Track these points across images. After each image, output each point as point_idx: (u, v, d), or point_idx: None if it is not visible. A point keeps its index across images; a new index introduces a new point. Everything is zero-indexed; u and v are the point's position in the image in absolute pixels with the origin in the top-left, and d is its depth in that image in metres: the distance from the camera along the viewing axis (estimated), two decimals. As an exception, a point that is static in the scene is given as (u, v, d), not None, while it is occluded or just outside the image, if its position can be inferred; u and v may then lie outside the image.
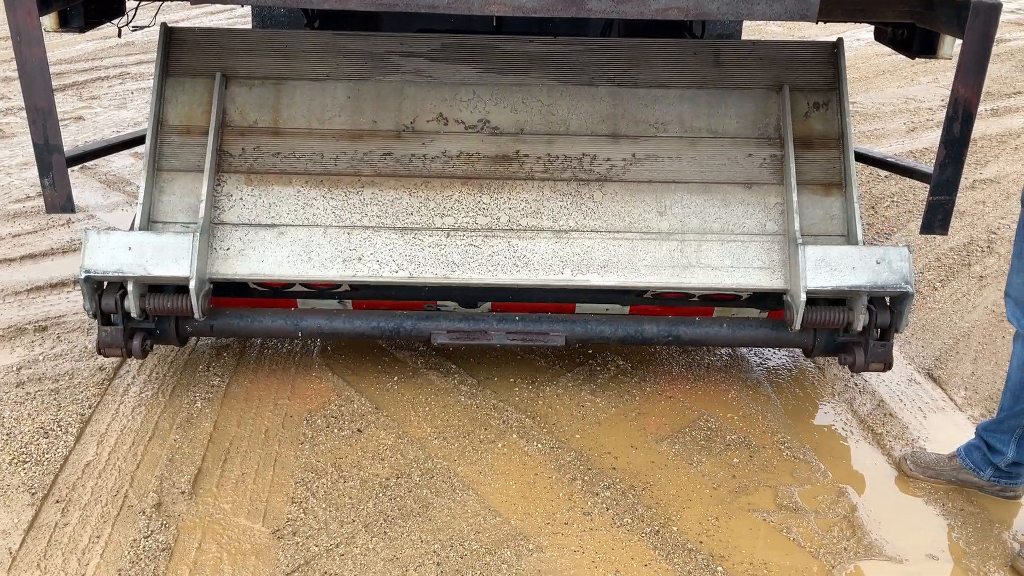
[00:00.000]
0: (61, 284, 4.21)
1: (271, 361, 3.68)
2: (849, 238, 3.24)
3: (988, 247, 4.79)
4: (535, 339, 3.32)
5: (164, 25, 3.31)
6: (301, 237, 3.26)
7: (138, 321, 3.23)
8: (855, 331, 3.21)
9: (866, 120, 6.82)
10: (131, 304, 3.11)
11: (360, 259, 3.24)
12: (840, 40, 3.39)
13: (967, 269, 4.58)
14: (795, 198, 3.23)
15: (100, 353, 3.28)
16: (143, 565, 2.71)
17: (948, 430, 3.42)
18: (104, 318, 3.19)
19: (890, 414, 3.50)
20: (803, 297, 3.07)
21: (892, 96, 7.42)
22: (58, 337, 3.81)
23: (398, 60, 3.34)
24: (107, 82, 7.27)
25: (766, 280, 3.23)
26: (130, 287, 3.09)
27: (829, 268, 3.10)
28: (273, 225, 3.27)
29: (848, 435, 3.39)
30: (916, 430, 3.42)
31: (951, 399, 3.63)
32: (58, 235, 4.65)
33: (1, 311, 3.99)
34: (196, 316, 3.13)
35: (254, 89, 3.33)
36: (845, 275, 3.08)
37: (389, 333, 3.37)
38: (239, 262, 3.22)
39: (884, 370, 3.31)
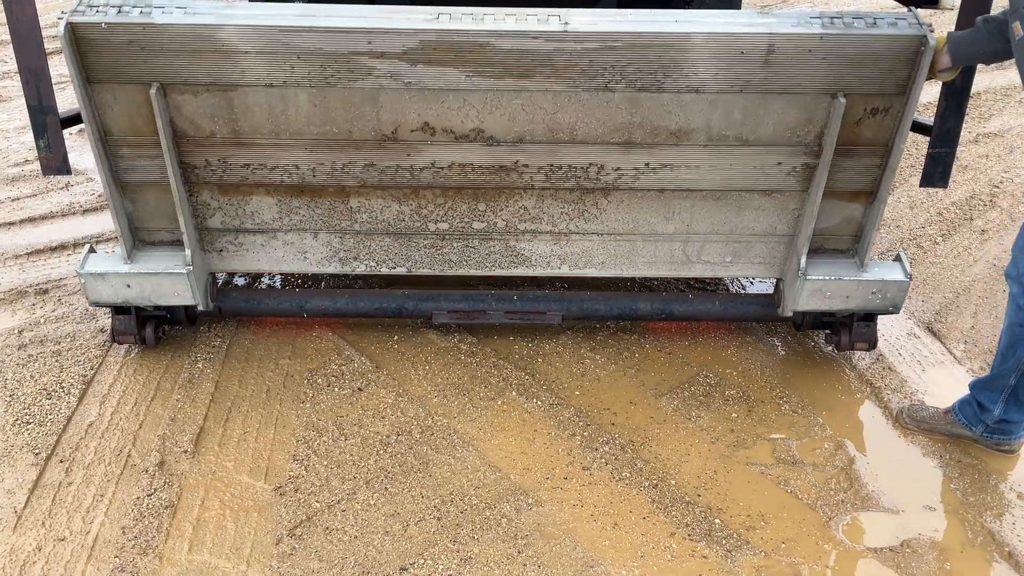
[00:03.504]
0: (61, 247, 4.21)
1: (272, 321, 3.69)
2: (859, 247, 3.15)
3: (991, 201, 4.76)
4: (533, 318, 3.47)
5: (70, 26, 2.64)
6: (292, 240, 3.18)
7: (149, 310, 3.35)
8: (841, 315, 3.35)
9: (869, 74, 6.75)
10: None
11: (356, 258, 3.24)
12: (925, 38, 2.70)
13: (969, 223, 4.56)
14: (815, 212, 2.97)
15: (114, 341, 3.42)
16: (147, 522, 2.75)
17: (947, 383, 3.42)
18: (116, 307, 3.29)
19: (889, 368, 3.51)
20: (790, 312, 3.23)
21: (896, 50, 7.33)
22: (59, 300, 3.82)
23: (367, 62, 2.72)
24: (104, 44, 7.22)
25: (763, 272, 3.31)
26: None
27: (823, 296, 3.15)
28: (261, 231, 3.14)
29: (847, 389, 3.40)
30: (915, 383, 3.43)
31: (950, 352, 3.63)
32: (57, 198, 4.64)
33: (1, 275, 4.00)
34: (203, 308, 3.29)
35: (200, 97, 2.79)
36: (837, 302, 3.17)
37: (391, 313, 3.51)
38: (235, 260, 3.25)
39: (869, 349, 3.45)
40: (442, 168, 2.96)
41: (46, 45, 2.88)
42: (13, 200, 4.64)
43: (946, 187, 3.16)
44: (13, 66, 6.29)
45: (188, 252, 3.05)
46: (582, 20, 2.67)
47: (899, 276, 3.12)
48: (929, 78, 2.80)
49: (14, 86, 6.09)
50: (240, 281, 3.95)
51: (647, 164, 2.96)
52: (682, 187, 3.02)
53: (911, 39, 2.69)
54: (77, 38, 2.65)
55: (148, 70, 2.72)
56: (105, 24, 2.63)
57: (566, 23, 2.66)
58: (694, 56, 2.71)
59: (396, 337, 3.61)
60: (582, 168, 2.97)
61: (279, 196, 3.04)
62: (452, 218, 3.12)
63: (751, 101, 2.81)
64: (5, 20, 2.84)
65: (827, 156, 2.87)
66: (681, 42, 2.68)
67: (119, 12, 2.64)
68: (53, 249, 4.20)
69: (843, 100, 2.76)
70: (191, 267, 3.06)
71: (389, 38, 2.67)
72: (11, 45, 2.83)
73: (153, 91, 2.72)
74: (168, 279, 3.08)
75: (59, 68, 6.52)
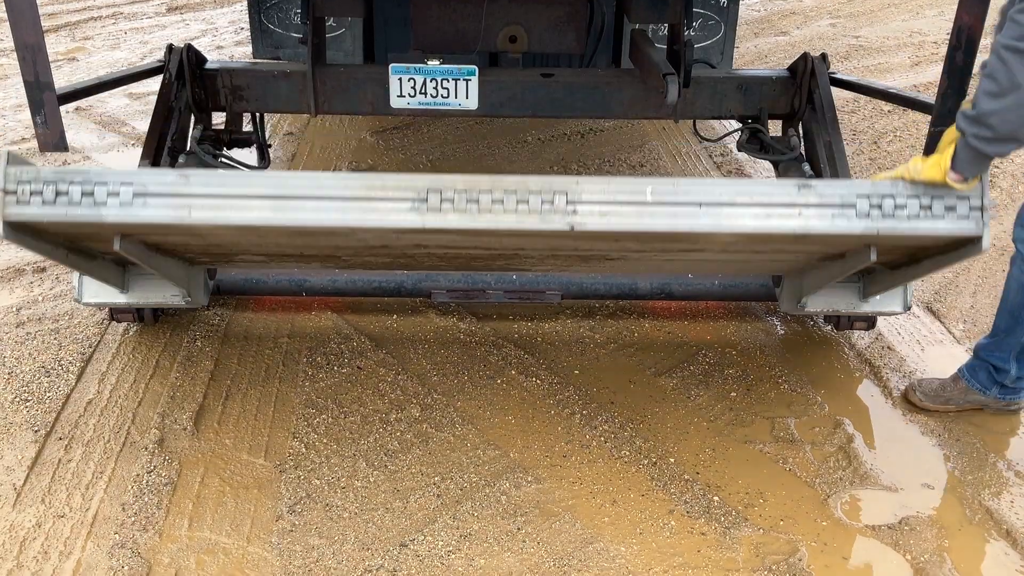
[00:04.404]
0: (59, 225, 4.20)
1: (270, 300, 3.68)
2: (866, 280, 3.02)
3: (990, 181, 4.75)
4: (532, 297, 3.47)
5: (7, 225, 2.22)
6: (292, 270, 3.19)
7: None
8: None
9: (870, 54, 6.73)
10: None
11: (356, 275, 3.32)
12: (980, 239, 2.29)
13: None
14: (826, 281, 2.86)
15: (113, 319, 3.42)
16: (147, 499, 2.75)
17: (945, 362, 3.42)
18: None
19: (888, 347, 3.51)
20: (785, 310, 3.18)
21: (897, 29, 7.31)
22: (57, 278, 3.81)
23: (349, 234, 2.48)
24: (100, 22, 7.18)
25: (765, 276, 3.30)
26: None
27: (819, 310, 3.12)
28: (257, 266, 3.06)
29: (846, 368, 3.41)
30: (914, 362, 3.43)
31: (949, 332, 3.63)
32: (55, 177, 4.63)
33: None
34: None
35: (168, 236, 2.53)
36: (836, 309, 3.13)
37: (391, 292, 3.50)
38: (237, 274, 3.25)
39: (868, 329, 3.47)
40: (436, 253, 2.79)
41: (45, 24, 2.86)
42: (10, 178, 4.62)
43: (947, 166, 3.16)
44: (9, 44, 6.26)
45: (184, 289, 2.96)
46: (591, 209, 2.35)
47: (896, 308, 3.07)
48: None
49: (10, 64, 6.05)
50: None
51: (654, 256, 2.83)
52: (688, 261, 2.97)
53: (964, 239, 2.36)
54: (15, 228, 2.26)
55: (105, 234, 2.44)
56: (46, 221, 2.27)
57: (573, 210, 2.33)
58: (716, 240, 2.52)
59: (395, 316, 3.61)
60: (588, 252, 2.80)
61: (266, 259, 2.95)
62: (449, 263, 3.07)
63: (776, 240, 2.58)
64: (1, -4, 2.82)
65: (849, 263, 2.70)
66: (703, 238, 2.45)
67: (57, 196, 2.23)
68: (51, 227, 4.19)
69: (875, 257, 2.53)
70: (189, 300, 3.02)
71: (372, 232, 2.40)
72: (5, 24, 2.81)
73: (116, 245, 2.44)
74: (168, 304, 3.06)
75: (55, 46, 6.49)
